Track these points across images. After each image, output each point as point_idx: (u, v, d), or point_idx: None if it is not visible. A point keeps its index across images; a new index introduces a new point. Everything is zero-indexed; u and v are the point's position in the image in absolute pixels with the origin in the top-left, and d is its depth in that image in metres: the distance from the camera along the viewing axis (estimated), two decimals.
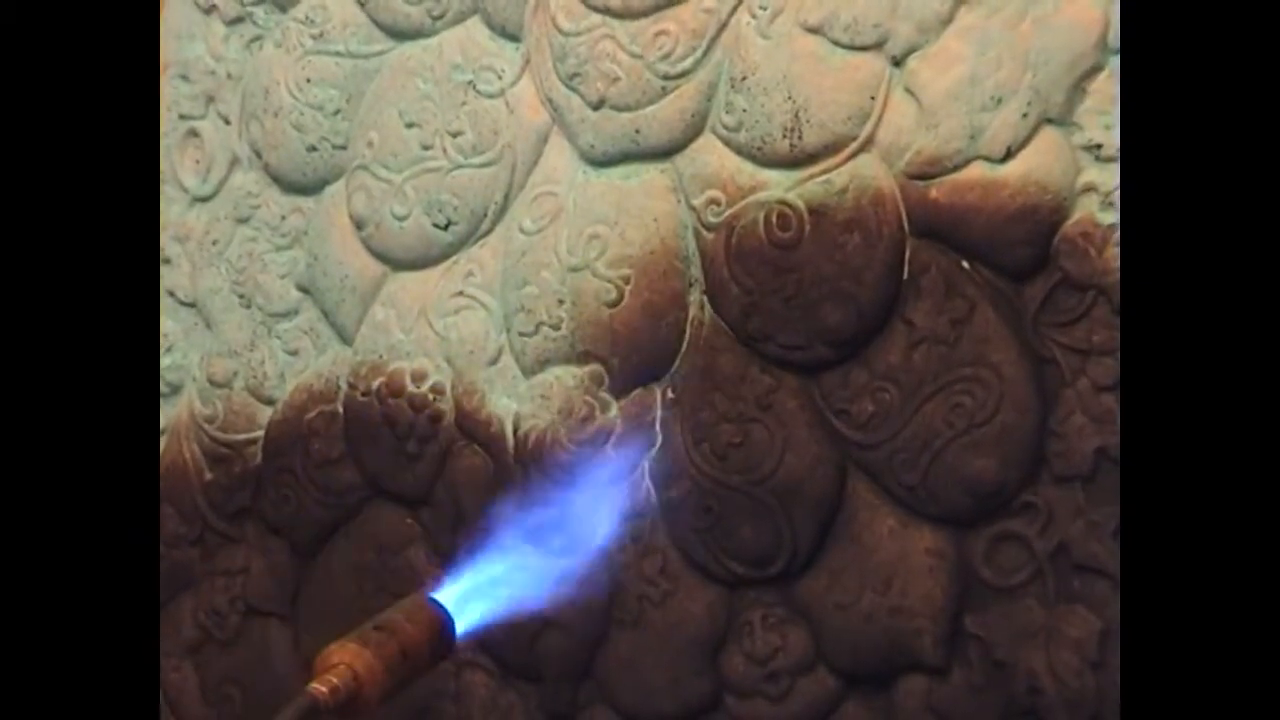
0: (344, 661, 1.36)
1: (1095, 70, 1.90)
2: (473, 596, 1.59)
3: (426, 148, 2.27)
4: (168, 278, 2.54)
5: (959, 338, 1.96)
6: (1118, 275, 1.85)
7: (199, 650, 2.57)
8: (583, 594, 2.09)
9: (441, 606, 1.49)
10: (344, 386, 2.37)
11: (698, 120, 2.09)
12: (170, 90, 2.54)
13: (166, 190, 2.53)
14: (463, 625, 1.51)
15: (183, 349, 2.53)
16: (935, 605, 2.01)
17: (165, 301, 2.54)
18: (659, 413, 2.13)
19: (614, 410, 2.15)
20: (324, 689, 1.35)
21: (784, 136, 2.02)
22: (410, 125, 2.28)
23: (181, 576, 2.55)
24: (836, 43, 2.00)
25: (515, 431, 2.22)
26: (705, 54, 2.08)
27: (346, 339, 2.38)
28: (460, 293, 2.27)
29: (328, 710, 1.35)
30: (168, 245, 2.54)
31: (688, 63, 2.08)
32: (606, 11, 2.15)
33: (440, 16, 2.30)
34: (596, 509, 2.08)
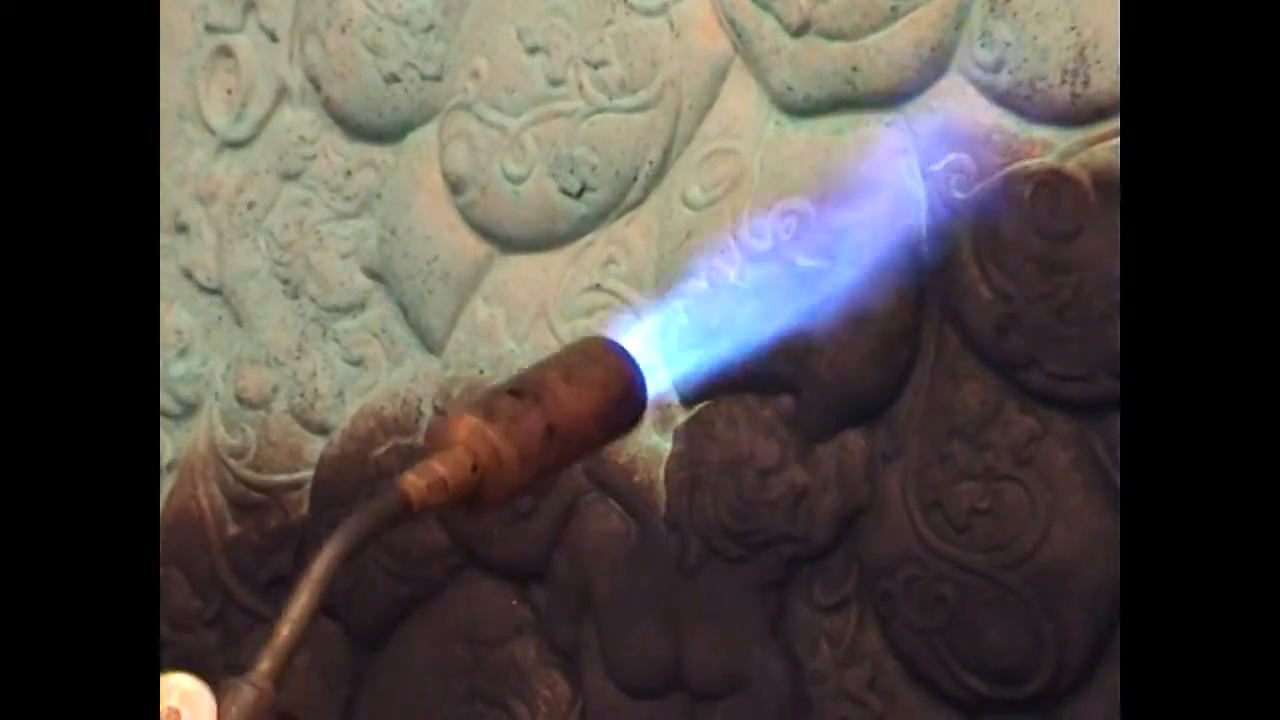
0: (461, 441, 1.27)
1: None
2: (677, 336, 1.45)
3: (555, 83, 2.31)
4: (183, 253, 2.58)
5: None
6: None
7: None
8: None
9: (624, 353, 1.37)
10: (428, 412, 2.41)
11: (940, 55, 2.11)
12: None
13: (186, 130, 2.57)
14: (660, 378, 1.36)
15: (202, 353, 2.58)
16: None
17: (180, 285, 2.57)
18: (873, 465, 2.17)
19: (810, 458, 2.20)
20: (421, 483, 1.25)
21: (1064, 81, 2.03)
22: (533, 50, 2.31)
23: (192, 670, 2.61)
24: None
25: (668, 483, 2.25)
26: None
27: (433, 346, 2.41)
28: (597, 286, 2.31)
29: (425, 511, 1.25)
30: (185, 206, 2.57)
31: None
32: None
33: None
34: None
